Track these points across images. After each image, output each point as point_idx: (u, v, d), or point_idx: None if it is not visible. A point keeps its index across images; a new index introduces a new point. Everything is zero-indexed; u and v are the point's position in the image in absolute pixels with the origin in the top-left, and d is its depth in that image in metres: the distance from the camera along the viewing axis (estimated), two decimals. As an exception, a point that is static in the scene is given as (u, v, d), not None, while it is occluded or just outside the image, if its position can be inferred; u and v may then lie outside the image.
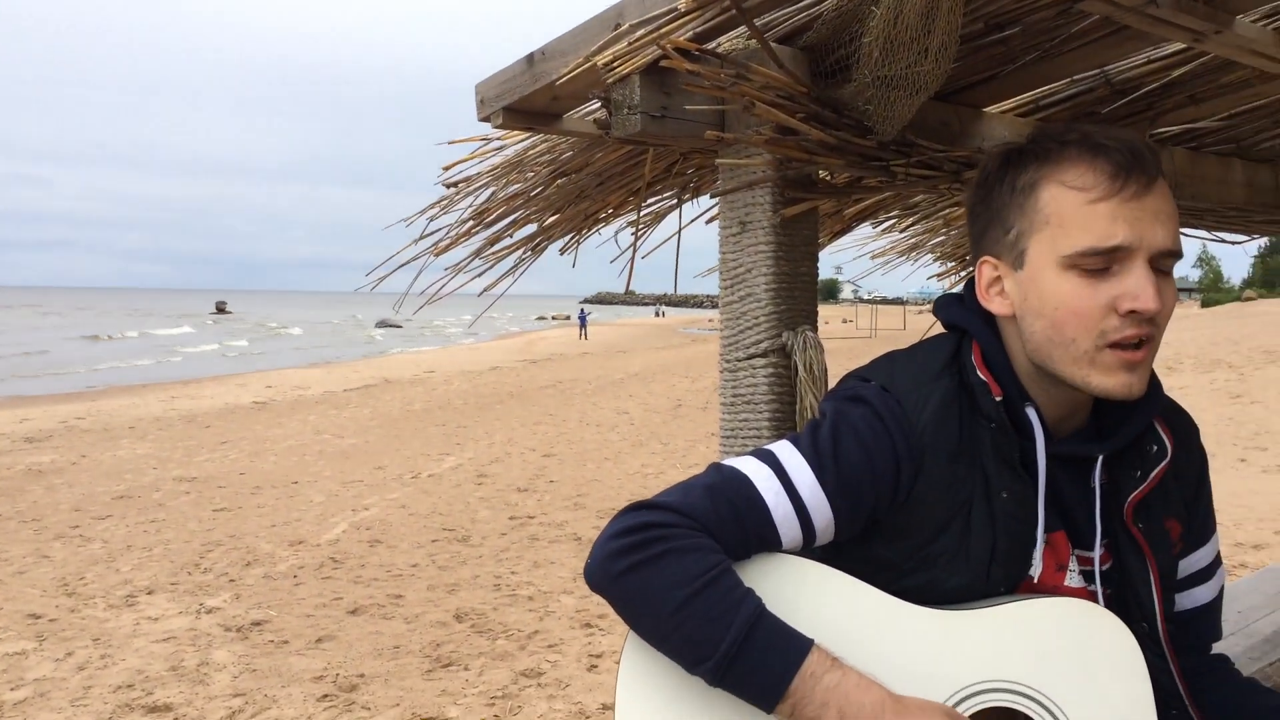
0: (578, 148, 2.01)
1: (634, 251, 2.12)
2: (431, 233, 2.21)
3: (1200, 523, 1.54)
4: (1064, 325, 1.30)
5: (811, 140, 1.54)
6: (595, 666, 5.48)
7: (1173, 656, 1.44)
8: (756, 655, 1.20)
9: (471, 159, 2.09)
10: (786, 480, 1.31)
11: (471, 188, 2.14)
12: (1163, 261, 1.28)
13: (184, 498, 10.11)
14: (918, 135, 1.73)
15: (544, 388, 22.46)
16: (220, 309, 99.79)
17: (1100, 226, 1.25)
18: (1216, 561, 1.57)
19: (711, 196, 1.77)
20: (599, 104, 1.57)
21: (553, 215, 2.25)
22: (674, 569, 1.21)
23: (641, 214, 2.17)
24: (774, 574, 1.30)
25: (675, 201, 2.21)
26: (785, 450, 1.35)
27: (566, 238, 2.34)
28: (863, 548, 1.38)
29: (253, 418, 17.06)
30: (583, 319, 54.70)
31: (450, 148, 2.10)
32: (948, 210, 2.51)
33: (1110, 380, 1.30)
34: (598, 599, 7.08)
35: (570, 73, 1.56)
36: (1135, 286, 1.25)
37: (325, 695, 5.00)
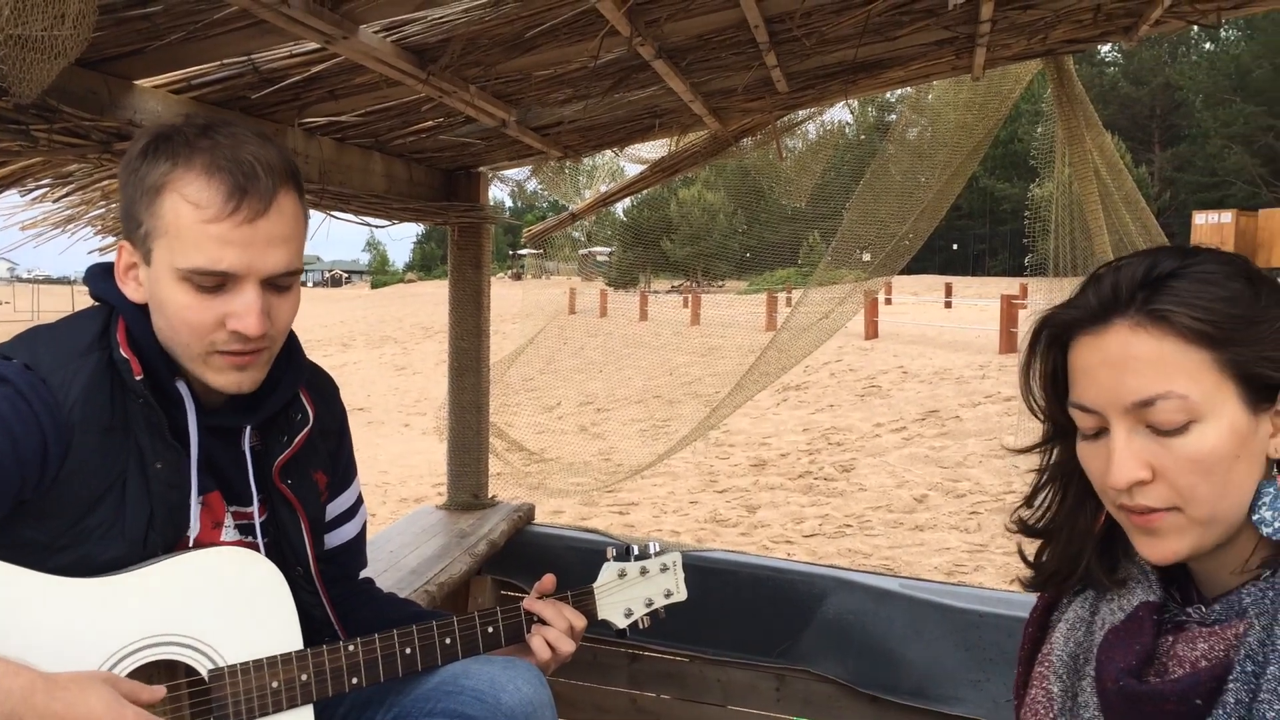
0: None
1: None
2: None
3: (343, 471, 1.75)
4: (179, 330, 1.38)
5: (-66, 94, 1.40)
6: None
7: (324, 592, 1.63)
8: None
9: None
10: None
11: None
12: (279, 280, 1.40)
13: None
14: (64, 101, 1.66)
15: None
16: None
17: (210, 249, 1.33)
18: (359, 502, 1.81)
19: None
20: None
21: None
22: None
23: None
24: None
25: None
26: None
27: None
28: (7, 531, 1.32)
29: None
30: None
31: None
32: (106, 181, 2.43)
33: (221, 379, 1.41)
34: None
35: None
36: (241, 309, 1.36)
37: None
